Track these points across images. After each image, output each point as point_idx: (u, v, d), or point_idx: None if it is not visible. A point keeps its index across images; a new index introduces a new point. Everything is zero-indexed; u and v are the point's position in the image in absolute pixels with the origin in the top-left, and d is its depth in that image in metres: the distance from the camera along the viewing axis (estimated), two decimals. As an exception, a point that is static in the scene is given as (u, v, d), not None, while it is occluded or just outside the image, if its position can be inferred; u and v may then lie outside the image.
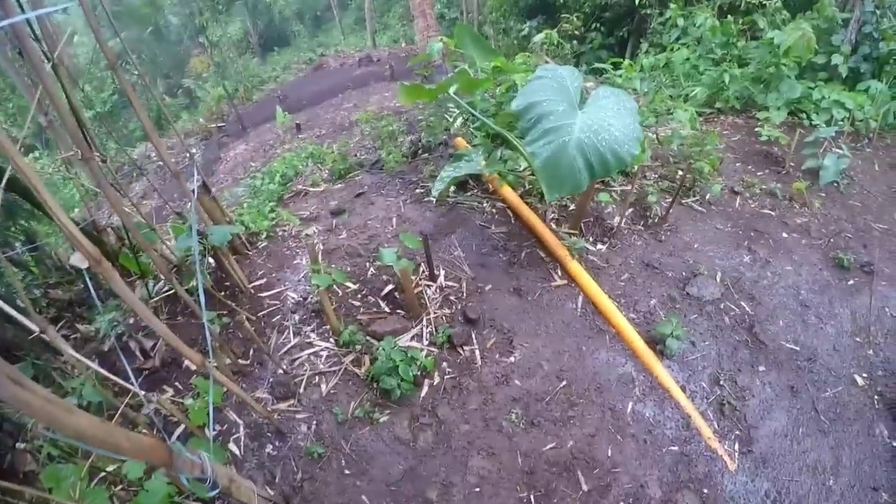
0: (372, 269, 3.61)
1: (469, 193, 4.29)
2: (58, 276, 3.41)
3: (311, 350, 3.14)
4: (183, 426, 2.72)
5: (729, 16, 7.04)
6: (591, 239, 3.85)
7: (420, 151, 5.06)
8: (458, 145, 4.76)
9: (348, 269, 3.61)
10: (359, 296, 3.45)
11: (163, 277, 3.38)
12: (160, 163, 10.17)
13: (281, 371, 3.01)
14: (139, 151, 10.74)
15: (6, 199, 2.98)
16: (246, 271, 3.60)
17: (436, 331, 3.21)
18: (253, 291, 3.47)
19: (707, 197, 4.46)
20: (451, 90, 4.29)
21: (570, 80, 3.37)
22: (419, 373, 2.95)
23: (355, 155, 6.24)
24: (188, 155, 3.86)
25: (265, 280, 3.57)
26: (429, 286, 3.44)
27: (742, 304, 3.63)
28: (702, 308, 3.53)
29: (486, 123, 4.06)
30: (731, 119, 6.00)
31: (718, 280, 3.72)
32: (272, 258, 3.78)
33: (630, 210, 4.16)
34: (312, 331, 3.24)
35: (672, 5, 7.32)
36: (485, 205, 4.16)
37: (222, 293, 3.36)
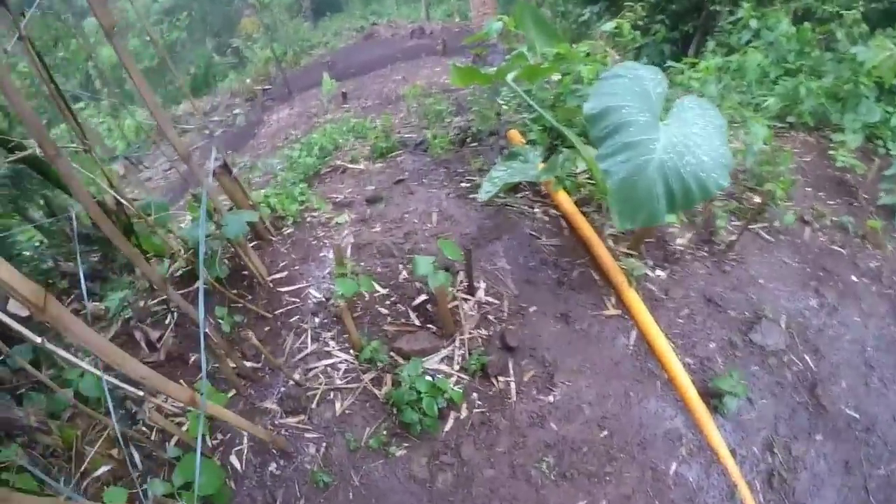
0: (405, 272, 3.12)
1: (520, 196, 3.73)
2: (71, 248, 3.02)
3: (329, 361, 2.68)
4: (177, 438, 2.32)
5: (805, 22, 6.15)
6: (650, 263, 3.27)
7: (468, 140, 4.46)
8: (511, 139, 4.16)
9: (378, 269, 3.12)
10: (387, 302, 2.96)
11: (179, 257, 2.95)
12: (205, 119, 9.75)
13: (293, 382, 2.58)
14: (183, 108, 10.31)
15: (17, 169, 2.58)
16: (267, 260, 3.15)
17: (469, 354, 2.71)
18: (272, 285, 3.02)
19: (776, 224, 3.81)
20: (509, 77, 3.70)
21: (651, 85, 2.74)
22: (445, 405, 2.48)
23: (399, 132, 5.70)
24: (207, 132, 3.36)
25: (287, 273, 3.11)
26: (466, 300, 2.94)
27: (806, 357, 3.05)
28: (764, 359, 2.96)
29: (546, 118, 3.47)
30: (803, 136, 5.23)
31: (783, 326, 3.14)
32: (297, 247, 3.31)
33: (694, 232, 3.56)
34: (332, 338, 2.78)
35: (745, 4, 6.43)
36: (536, 210, 3.60)
37: (235, 289, 2.90)
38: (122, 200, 2.39)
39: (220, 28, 14.23)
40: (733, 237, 3.49)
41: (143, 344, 2.67)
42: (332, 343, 2.75)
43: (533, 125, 4.14)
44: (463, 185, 3.89)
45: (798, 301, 3.35)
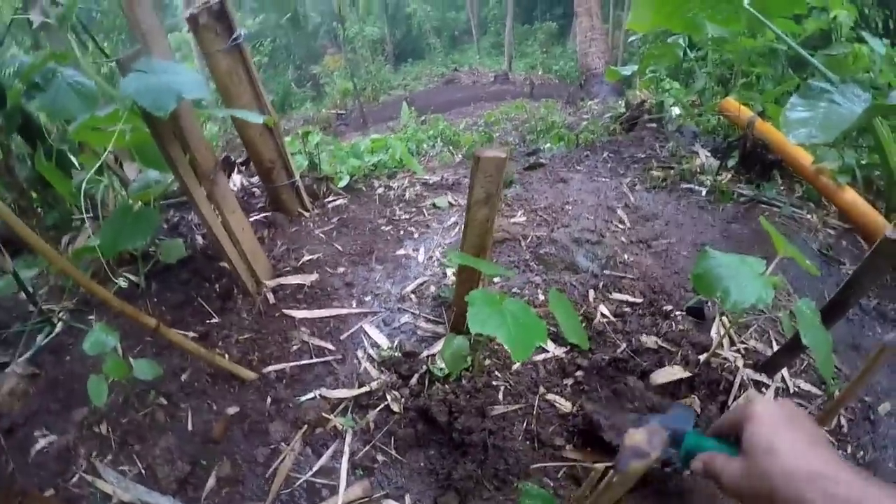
0: (606, 289, 1.31)
1: (773, 188, 1.92)
2: None
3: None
4: None
5: None
6: None
7: (644, 118, 2.70)
8: (727, 109, 2.41)
9: (541, 288, 1.35)
10: (572, 380, 1.14)
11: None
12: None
13: None
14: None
15: None
16: (280, 248, 1.46)
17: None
18: (272, 299, 1.29)
19: None
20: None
21: None
22: None
23: (500, 144, 4.19)
24: None
25: (314, 279, 1.37)
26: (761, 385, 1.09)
27: None
28: None
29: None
30: None
31: None
32: (349, 233, 1.58)
33: None
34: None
35: None
36: (806, 213, 1.79)
37: (187, 299, 1.22)
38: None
39: (303, 60, 13.75)
40: None
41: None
42: None
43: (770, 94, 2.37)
44: (655, 173, 2.13)
45: None
